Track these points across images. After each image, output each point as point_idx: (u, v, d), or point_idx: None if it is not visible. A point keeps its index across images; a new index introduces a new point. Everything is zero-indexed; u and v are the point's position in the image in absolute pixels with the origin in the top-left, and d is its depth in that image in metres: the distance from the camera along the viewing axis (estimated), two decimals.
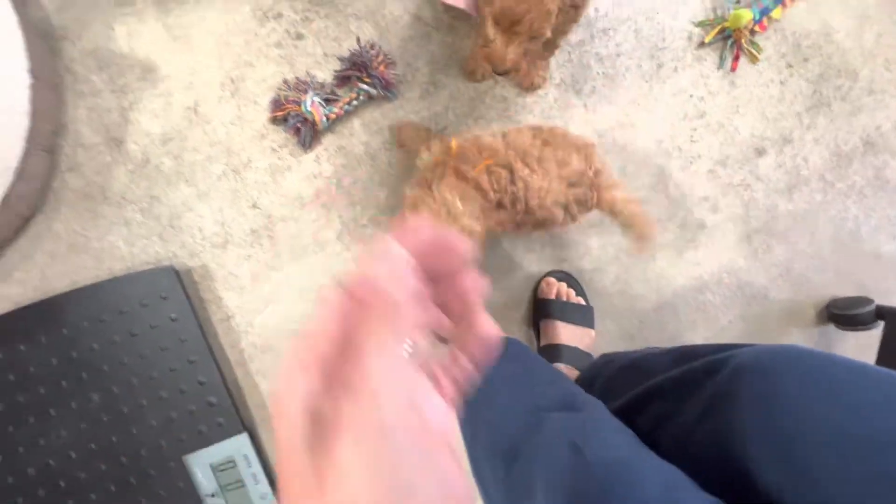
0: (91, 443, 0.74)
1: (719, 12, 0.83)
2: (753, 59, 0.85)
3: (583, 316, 0.80)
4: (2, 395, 0.72)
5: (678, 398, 0.42)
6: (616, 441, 0.38)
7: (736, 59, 0.84)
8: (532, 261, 0.84)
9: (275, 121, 0.77)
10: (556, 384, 0.52)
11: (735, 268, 0.88)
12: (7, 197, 0.67)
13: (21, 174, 0.67)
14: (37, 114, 0.67)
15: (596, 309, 0.83)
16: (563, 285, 0.81)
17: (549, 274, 0.83)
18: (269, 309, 0.80)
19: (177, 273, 0.75)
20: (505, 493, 0.40)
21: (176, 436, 0.75)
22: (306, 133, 0.76)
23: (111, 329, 0.74)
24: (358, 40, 0.77)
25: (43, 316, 0.73)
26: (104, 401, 0.74)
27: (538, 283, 0.83)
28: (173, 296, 0.74)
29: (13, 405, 0.73)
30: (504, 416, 0.47)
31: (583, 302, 0.82)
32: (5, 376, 0.72)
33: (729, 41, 0.83)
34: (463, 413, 0.60)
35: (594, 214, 0.66)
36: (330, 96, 0.77)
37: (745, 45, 0.83)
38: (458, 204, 0.55)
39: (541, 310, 0.81)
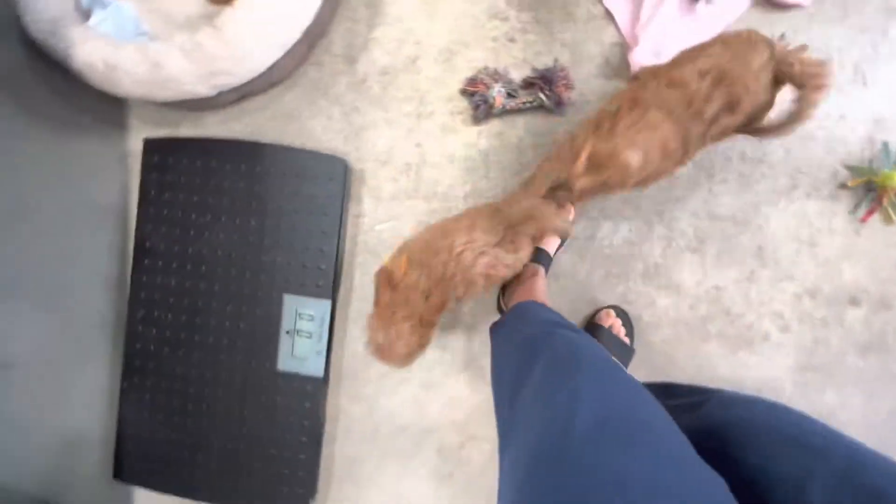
0: (233, 252, 0.99)
1: (874, 165, 0.88)
2: (888, 220, 0.89)
3: (623, 353, 0.91)
4: (199, 191, 1.00)
5: None
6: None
7: (871, 212, 0.89)
8: (605, 290, 0.96)
9: (464, 93, 0.97)
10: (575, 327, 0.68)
11: (779, 388, 0.92)
12: (273, 65, 0.92)
13: (288, 52, 0.93)
14: (317, 16, 0.93)
15: (636, 355, 0.92)
16: (619, 321, 0.92)
17: (612, 307, 0.94)
18: (389, 223, 1.00)
19: (346, 166, 0.97)
20: (516, 373, 0.55)
21: (286, 276, 0.98)
22: (483, 111, 0.95)
23: (284, 182, 0.98)
24: (555, 60, 0.94)
25: (249, 152, 0.99)
26: (255, 228, 0.99)
27: (599, 309, 0.95)
28: (335, 180, 0.97)
29: (202, 201, 1.00)
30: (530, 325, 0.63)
31: (628, 342, 0.92)
32: (207, 180, 1.00)
33: (870, 194, 0.89)
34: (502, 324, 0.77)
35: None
36: (512, 92, 0.95)
37: (885, 204, 0.88)
38: None
39: (590, 331, 0.93)
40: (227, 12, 0.85)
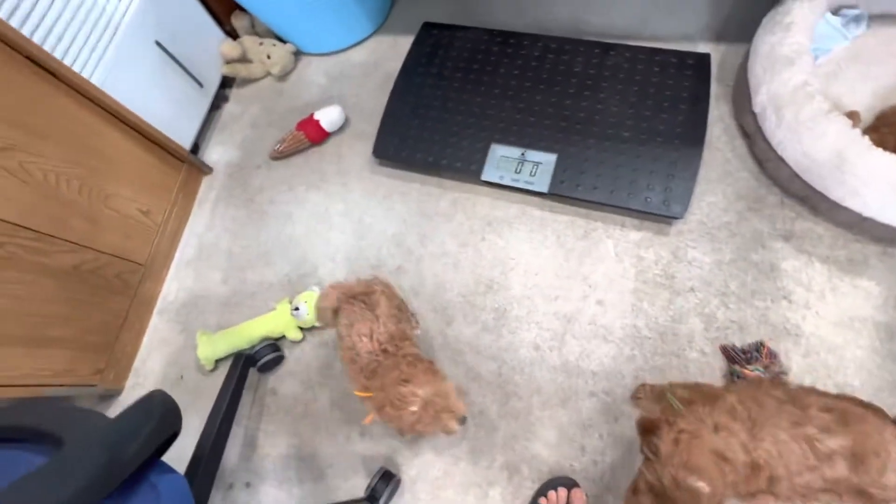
0: (550, 108, 1.08)
1: None
2: None
3: None
4: (549, 76, 1.11)
5: None
6: None
7: None
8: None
9: (727, 359, 0.88)
10: None
11: None
12: None
13: None
14: None
15: None
16: None
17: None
18: None
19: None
20: None
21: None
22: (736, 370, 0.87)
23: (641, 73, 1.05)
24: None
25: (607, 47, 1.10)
26: (587, 111, 1.05)
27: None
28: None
29: (551, 79, 1.09)
30: None
31: None
32: (561, 58, 1.10)
33: None
34: None
35: None
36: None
37: None
38: None
39: None
40: None
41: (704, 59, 1.06)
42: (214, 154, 1.36)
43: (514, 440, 0.90)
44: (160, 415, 0.57)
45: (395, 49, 1.34)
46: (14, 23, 0.88)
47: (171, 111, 1.21)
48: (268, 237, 1.20)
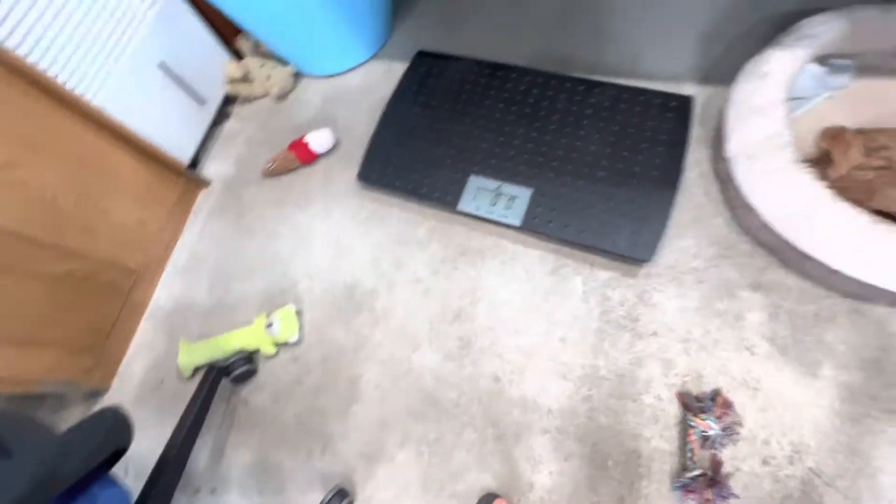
0: (530, 143, 1.09)
1: None
2: None
3: None
4: (532, 110, 1.13)
5: None
6: None
7: None
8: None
9: (682, 406, 0.88)
10: None
11: None
12: None
13: None
14: None
15: None
16: None
17: None
18: None
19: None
20: None
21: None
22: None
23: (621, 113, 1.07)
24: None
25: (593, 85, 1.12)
26: (565, 148, 1.06)
27: None
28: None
29: (534, 114, 1.09)
30: None
31: None
32: (546, 93, 1.13)
33: None
34: None
35: None
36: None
37: None
38: None
39: None
40: None
41: (687, 102, 1.06)
42: (213, 168, 1.43)
43: (466, 471, 0.92)
44: (105, 432, 0.61)
45: (389, 75, 1.38)
46: (27, 44, 0.96)
47: (170, 127, 1.28)
48: (254, 252, 1.25)
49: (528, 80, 1.19)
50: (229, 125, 1.49)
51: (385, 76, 1.39)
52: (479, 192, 1.09)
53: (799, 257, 0.88)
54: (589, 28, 1.29)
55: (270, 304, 1.16)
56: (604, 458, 0.88)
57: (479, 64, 1.24)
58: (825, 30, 0.95)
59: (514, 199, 1.07)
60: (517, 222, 1.04)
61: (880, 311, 0.87)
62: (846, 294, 0.89)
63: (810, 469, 0.80)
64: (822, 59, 1.01)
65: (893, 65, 0.98)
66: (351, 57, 1.41)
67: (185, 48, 1.29)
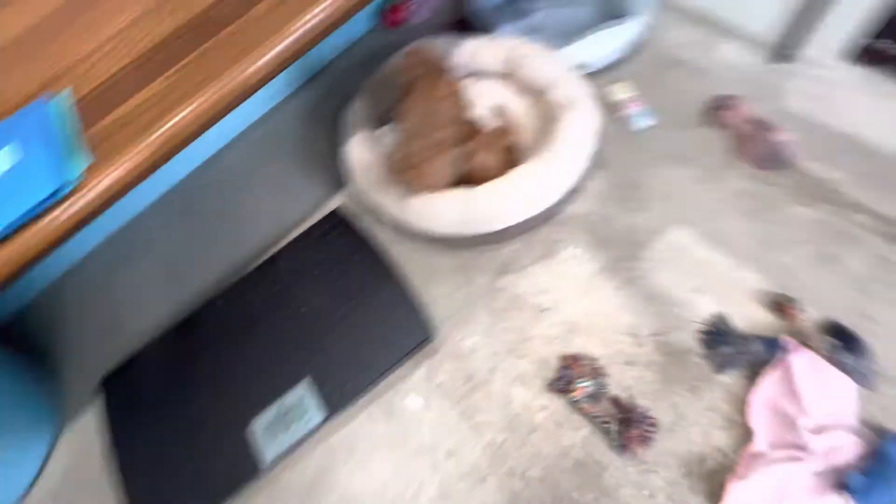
0: (266, 347, 1.10)
1: None
2: None
3: None
4: (246, 319, 1.18)
5: None
6: None
7: None
8: None
9: (562, 360, 0.97)
10: None
11: None
12: None
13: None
14: None
15: None
16: None
17: None
18: None
19: None
20: None
21: None
22: (560, 386, 0.92)
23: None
24: (648, 410, 0.87)
25: (273, 260, 1.15)
26: (298, 319, 1.08)
27: None
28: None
29: (249, 321, 1.16)
30: None
31: None
32: (245, 299, 1.18)
33: None
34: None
35: None
36: (595, 397, 0.90)
37: None
38: None
39: None
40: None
41: (335, 214, 1.17)
42: None
43: None
44: None
45: (95, 426, 1.13)
46: None
47: None
48: None
49: (220, 305, 1.13)
50: None
51: (94, 433, 1.13)
52: (270, 428, 0.97)
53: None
54: (209, 240, 1.31)
55: None
56: (566, 491, 0.85)
57: (164, 337, 1.13)
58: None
59: (303, 399, 0.98)
60: (323, 415, 0.96)
61: None
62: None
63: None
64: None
65: None
66: (30, 460, 1.10)
67: None
